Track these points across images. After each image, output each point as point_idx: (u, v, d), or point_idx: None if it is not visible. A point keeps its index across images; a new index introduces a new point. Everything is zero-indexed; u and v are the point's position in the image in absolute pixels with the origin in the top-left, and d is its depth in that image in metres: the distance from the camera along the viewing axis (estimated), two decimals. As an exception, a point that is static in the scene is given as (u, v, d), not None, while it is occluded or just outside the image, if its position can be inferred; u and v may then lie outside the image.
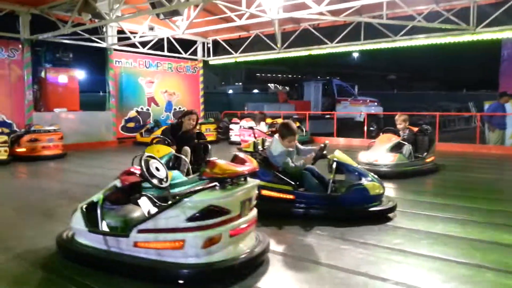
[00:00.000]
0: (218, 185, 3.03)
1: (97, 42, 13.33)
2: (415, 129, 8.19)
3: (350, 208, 4.68)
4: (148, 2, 8.97)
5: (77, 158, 10.46)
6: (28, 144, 10.00)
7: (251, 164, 3.35)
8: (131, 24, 13.05)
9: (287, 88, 39.66)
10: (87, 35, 12.65)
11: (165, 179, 3.65)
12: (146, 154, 3.69)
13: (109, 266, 3.23)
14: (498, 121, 11.59)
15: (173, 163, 5.31)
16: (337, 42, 12.95)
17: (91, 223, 3.39)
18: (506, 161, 9.93)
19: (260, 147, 5.30)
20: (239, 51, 15.43)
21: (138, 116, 14.98)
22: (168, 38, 14.51)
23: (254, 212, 3.39)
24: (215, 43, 16.56)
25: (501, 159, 10.19)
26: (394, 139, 7.69)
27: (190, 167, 5.49)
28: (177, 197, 3.13)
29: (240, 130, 12.94)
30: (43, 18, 11.70)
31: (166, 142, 5.60)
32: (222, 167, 3.07)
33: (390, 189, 6.20)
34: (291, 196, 4.73)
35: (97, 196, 3.55)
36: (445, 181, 7.36)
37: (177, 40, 15.26)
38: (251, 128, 12.36)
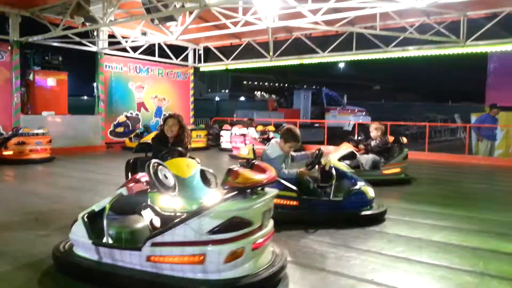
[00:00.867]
0: (240, 195, 2.84)
1: (87, 46, 13.18)
2: (392, 138, 8.21)
3: (349, 212, 4.84)
4: (143, 7, 8.91)
5: (65, 162, 10.27)
6: (15, 147, 9.79)
7: (271, 172, 3.15)
8: (123, 29, 12.96)
9: (274, 96, 39.83)
10: (77, 39, 12.50)
11: (174, 188, 3.42)
12: (154, 160, 3.44)
13: (114, 282, 3.00)
14: (487, 133, 11.82)
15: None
16: (329, 52, 13.04)
17: (93, 234, 3.16)
18: (493, 172, 10.10)
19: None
20: (231, 58, 15.42)
21: (128, 121, 14.81)
22: (159, 43, 14.44)
23: (272, 223, 3.20)
24: (206, 50, 16.55)
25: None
26: (346, 149, 7.57)
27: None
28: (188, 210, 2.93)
29: (232, 137, 12.89)
30: (33, 20, 11.53)
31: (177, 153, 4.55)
32: (245, 176, 2.89)
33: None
34: (295, 203, 4.72)
35: (100, 205, 3.29)
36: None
37: (168, 46, 15.20)
38: (243, 135, 12.33)
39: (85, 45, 13.08)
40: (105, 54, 13.88)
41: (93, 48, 13.39)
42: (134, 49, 14.37)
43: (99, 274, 3.05)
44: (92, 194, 6.38)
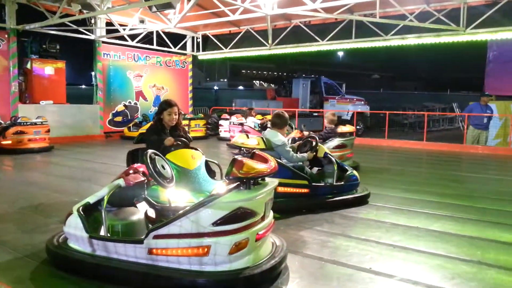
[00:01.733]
0: (243, 185, 2.79)
1: (85, 34, 13.08)
2: (348, 128, 8.06)
3: (347, 194, 5.17)
4: (140, -6, 8.83)
5: (64, 152, 10.26)
6: (14, 136, 9.77)
7: (271, 162, 3.08)
8: (121, 17, 12.86)
9: (272, 85, 39.65)
10: (75, 27, 12.40)
11: (171, 179, 3.35)
12: (151, 151, 3.35)
13: (112, 275, 2.93)
14: (474, 121, 11.72)
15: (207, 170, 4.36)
16: (328, 40, 12.97)
17: (89, 227, 3.08)
18: (490, 161, 10.13)
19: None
20: (229, 46, 15.33)
21: (126, 110, 14.79)
22: (157, 31, 14.34)
23: (272, 214, 3.18)
24: (205, 38, 16.45)
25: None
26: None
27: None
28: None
29: (230, 126, 12.88)
30: (30, 8, 11.43)
31: (182, 143, 4.41)
32: (249, 166, 2.81)
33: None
34: (305, 190, 4.86)
35: (95, 197, 3.21)
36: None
37: (166, 34, 15.10)
38: (241, 124, 12.31)
39: (82, 33, 13.00)
40: (103, 42, 13.80)
41: (91, 36, 13.31)
42: (132, 37, 14.28)
43: (95, 268, 2.99)
44: (90, 184, 6.39)
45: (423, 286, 2.96)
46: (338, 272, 3.20)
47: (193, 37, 16.52)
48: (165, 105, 4.46)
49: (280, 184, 4.27)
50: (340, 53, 42.63)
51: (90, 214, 3.18)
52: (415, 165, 9.44)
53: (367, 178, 6.56)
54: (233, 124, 12.74)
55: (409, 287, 2.96)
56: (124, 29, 12.60)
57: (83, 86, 32.95)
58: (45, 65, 12.94)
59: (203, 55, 16.94)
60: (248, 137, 5.36)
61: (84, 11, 10.32)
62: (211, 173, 4.29)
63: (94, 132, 13.57)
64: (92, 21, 13.02)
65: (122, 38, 13.96)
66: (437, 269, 3.28)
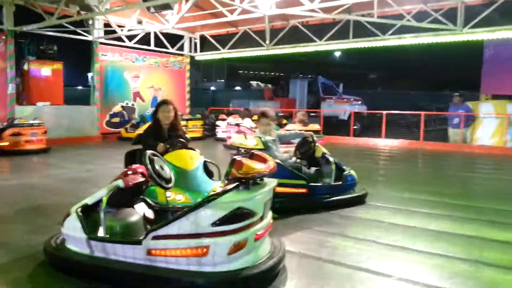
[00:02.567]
0: (242, 185, 2.78)
1: (82, 35, 13.07)
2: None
3: (344, 194, 5.20)
4: (138, -5, 8.83)
5: (61, 153, 10.24)
6: (11, 138, 9.74)
7: (270, 162, 3.07)
8: (118, 18, 12.85)
9: (270, 86, 39.68)
10: (72, 28, 12.39)
11: (170, 179, 3.36)
12: (150, 152, 3.35)
13: (110, 276, 2.93)
14: (451, 122, 12.58)
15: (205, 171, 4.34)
16: (326, 40, 12.99)
17: (88, 228, 3.08)
18: (487, 160, 10.16)
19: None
20: (227, 47, 15.33)
21: (123, 111, 14.76)
22: (155, 32, 14.33)
23: (270, 214, 3.18)
24: (203, 38, 16.45)
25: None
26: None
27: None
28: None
29: (227, 127, 12.89)
30: (27, 9, 11.41)
31: (180, 144, 4.38)
32: (249, 166, 2.80)
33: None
34: (304, 190, 4.88)
35: (93, 198, 3.22)
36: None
37: (164, 34, 15.09)
38: (237, 125, 12.32)
39: (80, 34, 12.98)
40: (101, 43, 13.77)
41: (88, 37, 13.28)
42: (130, 38, 14.27)
43: (94, 269, 2.98)
44: (88, 185, 6.37)
45: (421, 285, 2.97)
46: (336, 272, 3.22)
47: (190, 38, 16.52)
48: (160, 104, 4.56)
49: (278, 184, 4.30)
50: (337, 53, 42.70)
51: (88, 215, 3.17)
52: (412, 164, 9.47)
53: (364, 178, 6.57)
54: (230, 124, 12.74)
55: (408, 286, 2.97)
56: (122, 30, 12.59)
57: (80, 87, 32.90)
58: (43, 67, 12.91)
59: (200, 56, 16.93)
60: (246, 137, 5.37)
61: (82, 12, 10.30)
62: (209, 173, 4.30)
63: (91, 133, 13.54)
64: (90, 22, 13.00)
65: (119, 39, 13.94)
66: (435, 268, 3.30)
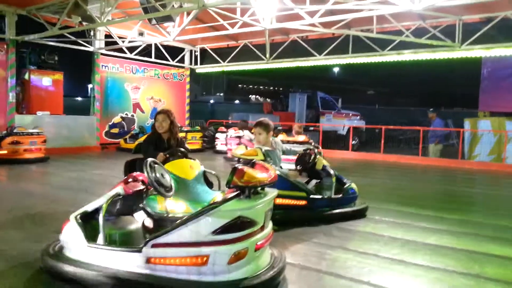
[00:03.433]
0: (243, 194, 2.77)
1: (84, 46, 13.14)
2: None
3: (345, 207, 5.17)
4: (140, 7, 8.89)
5: (60, 163, 10.21)
6: (9, 146, 9.71)
7: (271, 171, 3.05)
8: (119, 29, 12.94)
9: (268, 99, 39.88)
10: (74, 38, 12.47)
11: (170, 187, 3.37)
12: (151, 159, 3.37)
13: (109, 284, 2.89)
14: (429, 137, 13.07)
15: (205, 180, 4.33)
16: (325, 55, 13.09)
17: (86, 236, 3.04)
18: (484, 176, 10.18)
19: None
20: (227, 60, 15.43)
21: (123, 122, 14.77)
22: (156, 44, 14.43)
23: (271, 224, 3.16)
24: (203, 51, 16.55)
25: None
26: None
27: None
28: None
29: (228, 139, 12.89)
30: (29, 19, 11.48)
31: (180, 154, 4.38)
32: (250, 175, 2.79)
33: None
34: (303, 202, 4.86)
35: (93, 205, 3.20)
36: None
37: (164, 47, 15.19)
38: (238, 137, 12.32)
39: (81, 44, 13.05)
40: (102, 54, 13.85)
41: (89, 48, 13.36)
42: (131, 49, 14.35)
43: (92, 277, 2.93)
44: (87, 194, 6.33)
45: (422, 299, 2.95)
46: (336, 284, 3.20)
47: (191, 51, 16.63)
48: (156, 113, 4.63)
49: (278, 196, 4.27)
50: (336, 69, 43.07)
51: (87, 223, 3.15)
52: (411, 180, 9.47)
53: (363, 192, 6.56)
54: (231, 137, 12.74)
55: (408, 299, 2.96)
56: (123, 42, 12.68)
57: (79, 98, 32.97)
58: (43, 76, 12.97)
59: (201, 69, 17.02)
60: (247, 148, 5.37)
61: (84, 23, 10.37)
62: (209, 183, 4.29)
63: (90, 143, 13.52)
64: (91, 33, 13.09)
65: (120, 50, 14.02)
66: (435, 282, 3.28)
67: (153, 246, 2.78)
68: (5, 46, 11.34)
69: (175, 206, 3.64)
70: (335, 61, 13.70)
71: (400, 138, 20.71)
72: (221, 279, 2.72)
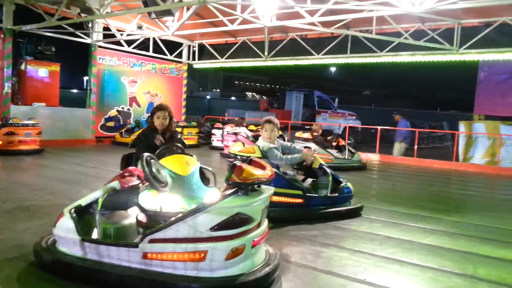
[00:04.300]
0: (241, 191, 2.78)
1: (81, 38, 13.06)
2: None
3: (340, 206, 5.21)
4: (140, 0, 8.85)
5: (55, 155, 10.15)
6: (4, 137, 9.62)
7: (268, 169, 3.06)
8: (118, 22, 12.87)
9: (265, 97, 39.91)
10: (71, 30, 12.39)
11: (166, 183, 3.35)
12: (147, 154, 3.35)
13: (103, 279, 2.87)
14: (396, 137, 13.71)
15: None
16: (323, 54, 13.10)
17: (81, 230, 3.01)
18: (479, 179, 10.25)
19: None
20: (225, 56, 15.40)
21: (119, 115, 14.70)
22: (154, 39, 14.37)
23: (267, 221, 3.17)
24: (201, 47, 16.51)
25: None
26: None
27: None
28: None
29: (225, 136, 12.87)
30: (27, 9, 11.40)
31: (179, 149, 4.26)
32: (249, 172, 2.80)
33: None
34: (300, 200, 4.88)
35: (87, 200, 3.16)
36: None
37: (163, 41, 15.14)
38: (235, 133, 12.31)
39: (79, 36, 12.96)
40: (99, 46, 13.77)
41: (87, 40, 13.28)
42: (129, 43, 14.28)
43: (86, 272, 2.92)
44: (81, 187, 6.32)
45: (417, 298, 2.97)
46: (332, 282, 3.20)
47: (189, 46, 16.58)
48: (155, 108, 4.54)
49: (274, 193, 4.27)
50: (333, 69, 43.16)
51: (82, 217, 3.12)
52: (407, 180, 9.51)
53: (359, 191, 6.58)
54: (228, 133, 12.72)
55: (403, 298, 2.97)
56: (121, 34, 12.61)
57: (75, 90, 32.82)
58: (40, 67, 12.86)
59: (198, 64, 16.98)
60: (244, 145, 5.37)
61: (83, 15, 10.31)
62: (205, 180, 4.26)
63: (85, 136, 13.46)
64: (90, 25, 13.01)
65: (118, 43, 13.95)
66: (430, 282, 3.30)
67: (150, 241, 2.77)
68: (2, 36, 11.25)
69: (170, 202, 3.62)
70: (333, 61, 13.73)
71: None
72: (218, 275, 2.72)
